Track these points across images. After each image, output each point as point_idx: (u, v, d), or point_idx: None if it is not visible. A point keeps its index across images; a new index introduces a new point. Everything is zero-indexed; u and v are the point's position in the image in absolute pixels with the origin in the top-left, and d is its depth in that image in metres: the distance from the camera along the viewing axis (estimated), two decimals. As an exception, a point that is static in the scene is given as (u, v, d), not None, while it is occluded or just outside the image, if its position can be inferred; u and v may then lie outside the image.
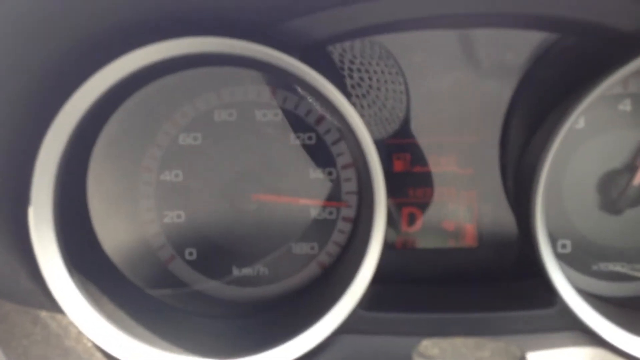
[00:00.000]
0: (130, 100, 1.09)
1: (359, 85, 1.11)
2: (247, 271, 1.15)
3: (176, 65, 1.05)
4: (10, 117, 0.87)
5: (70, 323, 0.91)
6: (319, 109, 1.12)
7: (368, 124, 1.09)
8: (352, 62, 1.10)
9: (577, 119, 0.94)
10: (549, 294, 0.95)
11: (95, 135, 1.08)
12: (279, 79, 1.11)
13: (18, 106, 0.87)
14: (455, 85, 1.12)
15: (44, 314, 0.91)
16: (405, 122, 1.13)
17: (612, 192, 1.09)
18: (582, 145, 1.11)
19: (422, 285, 1.10)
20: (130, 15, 0.87)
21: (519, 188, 1.07)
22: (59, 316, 0.92)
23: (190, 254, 1.14)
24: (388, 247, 0.95)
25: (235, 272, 1.15)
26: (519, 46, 1.09)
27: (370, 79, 1.10)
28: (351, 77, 1.10)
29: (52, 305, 0.91)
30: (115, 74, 0.90)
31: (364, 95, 1.11)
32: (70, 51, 0.88)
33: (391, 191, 0.93)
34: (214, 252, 1.14)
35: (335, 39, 1.00)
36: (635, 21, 0.93)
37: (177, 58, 0.92)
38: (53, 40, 0.85)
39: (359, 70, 1.10)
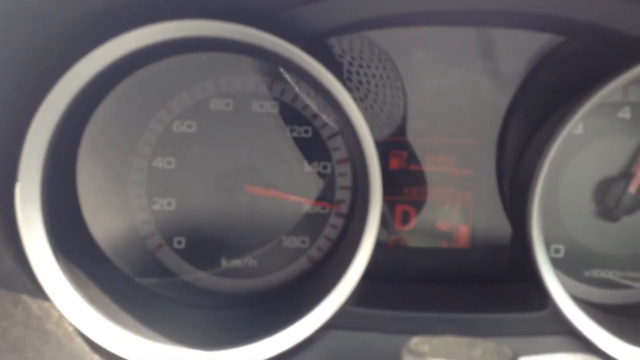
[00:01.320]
0: (125, 83, 1.07)
1: (357, 88, 1.10)
2: (236, 263, 1.13)
3: (174, 49, 1.04)
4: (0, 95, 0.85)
5: (52, 306, 0.89)
6: (313, 105, 1.11)
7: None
8: (350, 64, 1.09)
9: (576, 125, 0.94)
10: (541, 298, 0.95)
11: (88, 116, 1.06)
12: (278, 70, 1.10)
13: (9, 86, 0.85)
14: (455, 85, 1.11)
15: (25, 295, 0.89)
16: (404, 122, 1.12)
17: (607, 199, 1.09)
18: (580, 150, 1.11)
19: (412, 284, 1.09)
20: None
21: (515, 191, 1.06)
22: (40, 299, 0.90)
23: (179, 242, 1.13)
24: (379, 245, 0.93)
25: (224, 263, 1.13)
26: (522, 48, 1.08)
27: (368, 82, 1.10)
28: (350, 79, 1.09)
29: (35, 287, 0.89)
30: (111, 54, 0.88)
31: (362, 99, 1.10)
32: (66, 29, 0.86)
33: (386, 189, 0.91)
34: (203, 242, 1.12)
35: (337, 30, 0.98)
36: (642, 26, 0.93)
37: (177, 41, 0.90)
38: (46, 19, 0.83)
39: (357, 73, 1.09)
